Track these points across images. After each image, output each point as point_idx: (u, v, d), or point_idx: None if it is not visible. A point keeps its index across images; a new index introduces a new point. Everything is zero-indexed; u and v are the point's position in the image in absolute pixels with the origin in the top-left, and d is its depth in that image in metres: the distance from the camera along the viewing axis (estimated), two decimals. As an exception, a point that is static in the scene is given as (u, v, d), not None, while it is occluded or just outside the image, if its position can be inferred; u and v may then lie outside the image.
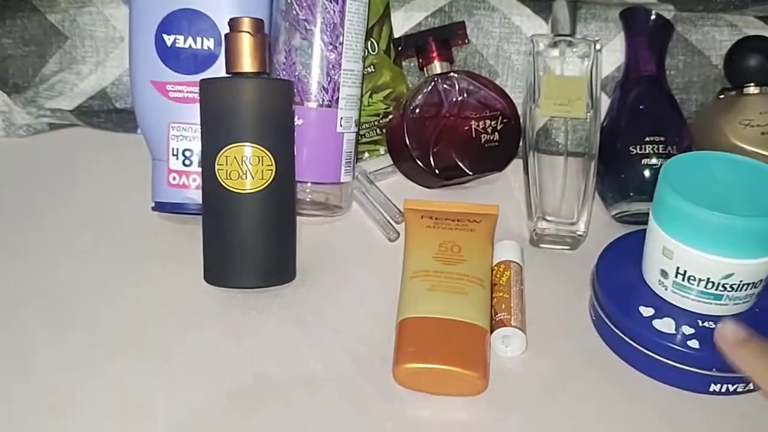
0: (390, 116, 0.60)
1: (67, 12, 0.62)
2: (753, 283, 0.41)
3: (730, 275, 0.40)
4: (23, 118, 0.64)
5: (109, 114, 0.64)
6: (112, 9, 0.62)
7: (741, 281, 0.41)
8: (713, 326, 0.42)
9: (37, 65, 0.63)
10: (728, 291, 0.41)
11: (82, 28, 0.62)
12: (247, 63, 0.46)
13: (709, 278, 0.41)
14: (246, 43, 0.46)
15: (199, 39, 0.50)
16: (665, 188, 0.42)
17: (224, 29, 0.48)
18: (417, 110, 0.57)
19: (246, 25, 0.46)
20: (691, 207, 0.40)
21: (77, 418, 0.40)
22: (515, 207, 0.57)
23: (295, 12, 0.50)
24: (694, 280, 0.41)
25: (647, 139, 0.53)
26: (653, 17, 0.57)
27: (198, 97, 0.48)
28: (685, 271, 0.42)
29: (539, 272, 0.51)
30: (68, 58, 0.62)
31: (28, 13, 0.62)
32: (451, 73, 0.58)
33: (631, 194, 0.53)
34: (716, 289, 0.41)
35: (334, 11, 0.50)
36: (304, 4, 0.50)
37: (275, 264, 0.48)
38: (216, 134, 0.46)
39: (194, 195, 0.51)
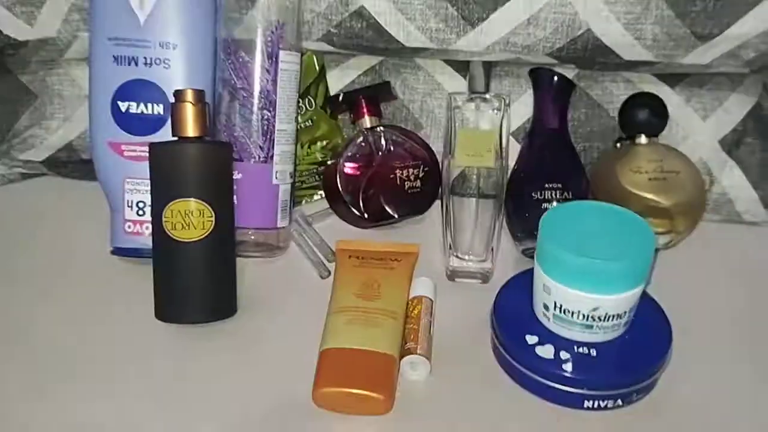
0: (326, 165, 0.67)
1: (37, 73, 0.69)
2: (618, 314, 0.48)
3: (597, 308, 0.48)
4: (-2, 169, 0.71)
5: (76, 164, 0.71)
6: (78, 70, 0.69)
7: (606, 313, 0.48)
8: (586, 351, 0.49)
9: (10, 121, 0.69)
10: (597, 321, 0.48)
11: (50, 87, 0.69)
12: (189, 128, 0.53)
13: (579, 311, 0.48)
14: (189, 111, 0.53)
15: (150, 105, 0.57)
16: (542, 235, 0.49)
17: (172, 97, 0.55)
18: (349, 160, 0.64)
19: (189, 96, 0.53)
20: (561, 252, 0.47)
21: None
22: (439, 245, 0.64)
23: (234, 81, 0.58)
24: (569, 312, 0.49)
25: (546, 185, 0.61)
26: (556, 78, 0.64)
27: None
28: (561, 305, 0.49)
29: (453, 304, 0.58)
30: (38, 115, 0.69)
31: (2, 75, 0.69)
32: (379, 127, 0.65)
33: (535, 233, 0.60)
34: (587, 320, 0.48)
35: (267, 80, 0.57)
36: (241, 75, 0.57)
37: (217, 301, 0.55)
38: (163, 191, 0.53)
39: (148, 241, 0.57)
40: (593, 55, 0.62)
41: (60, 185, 0.72)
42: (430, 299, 0.56)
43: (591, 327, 0.49)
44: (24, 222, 0.67)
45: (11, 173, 0.72)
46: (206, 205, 0.53)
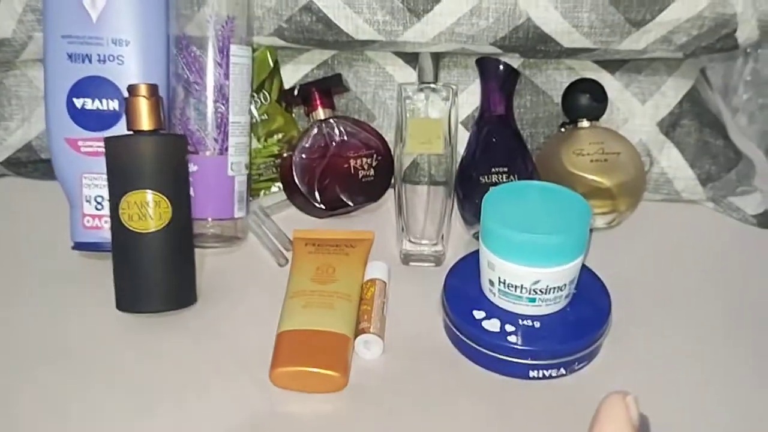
0: (283, 157, 0.68)
1: (-7, 75, 0.70)
2: (558, 287, 0.51)
3: (537, 281, 0.50)
4: (-43, 171, 0.72)
5: (35, 164, 0.71)
6: (35, 71, 0.69)
7: (547, 286, 0.50)
8: (530, 324, 0.52)
9: (-32, 123, 0.70)
10: (539, 294, 0.51)
11: (8, 89, 0.70)
12: (144, 122, 0.55)
13: (522, 284, 0.51)
14: (143, 105, 0.55)
15: (105, 101, 0.58)
16: (485, 214, 0.52)
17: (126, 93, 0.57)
18: (304, 152, 0.66)
19: (143, 90, 0.55)
20: (503, 229, 0.50)
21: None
22: (394, 230, 0.66)
23: (186, 76, 0.59)
24: (512, 287, 0.51)
25: (493, 169, 0.63)
26: (501, 67, 0.67)
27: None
28: (505, 280, 0.51)
29: (407, 287, 0.60)
30: (-4, 116, 0.70)
31: (-42, 77, 0.70)
32: (332, 119, 0.67)
33: (484, 216, 0.63)
34: (529, 294, 0.51)
35: (219, 74, 0.59)
36: (194, 69, 0.59)
37: (176, 291, 0.56)
38: (119, 183, 0.54)
39: (107, 235, 0.58)
40: (534, 43, 0.64)
41: (20, 185, 0.73)
42: (384, 282, 0.58)
43: (534, 300, 0.51)
44: (-15, 221, 0.68)
45: (-29, 174, 0.72)
46: (163, 196, 0.54)
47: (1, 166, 0.71)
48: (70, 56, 0.58)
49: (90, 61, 0.58)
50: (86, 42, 0.58)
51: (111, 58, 0.58)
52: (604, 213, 0.64)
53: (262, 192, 0.70)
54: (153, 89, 0.55)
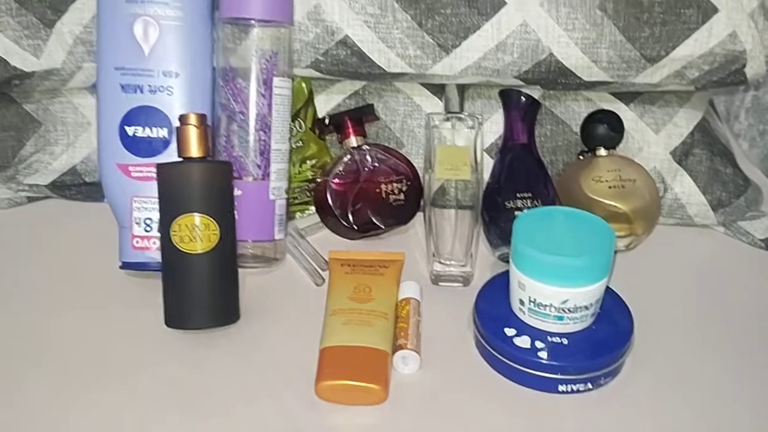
0: (316, 182, 0.72)
1: (41, 102, 0.73)
2: (585, 306, 0.54)
3: (566, 300, 0.54)
4: (4, 193, 0.75)
5: (79, 187, 0.75)
6: (80, 99, 0.73)
7: (575, 305, 0.54)
8: (558, 341, 0.55)
9: (15, 148, 0.73)
10: (567, 313, 0.54)
11: (54, 115, 0.73)
12: (193, 149, 0.58)
13: (551, 303, 0.54)
14: (193, 133, 0.58)
15: (155, 129, 0.62)
16: (516, 237, 0.55)
17: (175, 122, 0.60)
18: (337, 177, 0.69)
19: (192, 119, 0.59)
20: (533, 251, 0.53)
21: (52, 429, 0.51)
22: (423, 251, 0.69)
23: (231, 105, 0.63)
24: (542, 305, 0.55)
25: (518, 195, 0.67)
26: (524, 98, 0.71)
27: (155, 176, 0.60)
28: (535, 299, 0.55)
29: (439, 304, 0.63)
30: (43, 141, 0.74)
31: (7, 104, 0.73)
32: (364, 146, 0.71)
33: (509, 239, 0.66)
34: (558, 312, 0.54)
35: (263, 104, 0.63)
36: (239, 99, 0.63)
37: (222, 308, 0.59)
38: (170, 207, 0.58)
39: (155, 255, 0.62)
40: (556, 76, 0.68)
41: (64, 207, 0.76)
42: (417, 300, 0.61)
43: (562, 318, 0.55)
44: (33, 241, 0.71)
45: (17, 197, 0.76)
46: (211, 219, 0.58)
47: (47, 189, 0.75)
48: (122, 87, 0.62)
49: (141, 92, 0.62)
50: (138, 74, 0.62)
51: (161, 88, 0.62)
52: (622, 236, 0.68)
53: (297, 214, 0.74)
54: (202, 119, 0.59)
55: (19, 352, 0.58)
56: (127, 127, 0.62)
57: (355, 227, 0.69)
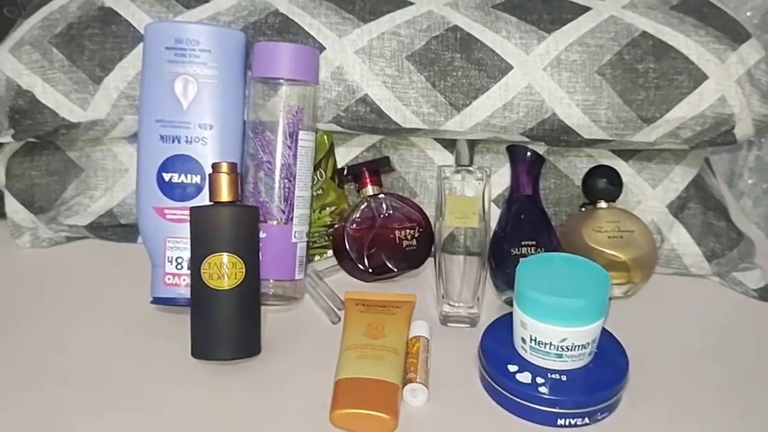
0: (335, 227, 0.77)
1: (83, 150, 0.80)
2: (582, 344, 0.59)
3: (565, 339, 0.58)
4: (46, 233, 0.81)
5: (115, 228, 0.81)
6: (119, 147, 0.80)
7: (573, 343, 0.58)
8: (558, 377, 0.59)
9: (58, 191, 0.80)
10: (565, 351, 0.58)
11: (95, 162, 0.80)
12: (224, 194, 0.64)
13: (551, 342, 0.58)
14: (224, 180, 0.64)
15: (189, 176, 0.68)
16: (519, 280, 0.60)
17: (208, 169, 0.66)
18: (354, 223, 0.75)
19: (224, 167, 0.64)
20: (535, 293, 0.58)
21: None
22: (434, 294, 0.74)
23: (260, 155, 0.69)
24: (542, 344, 0.59)
25: (523, 243, 0.72)
26: (529, 153, 0.77)
27: (188, 218, 0.66)
28: (536, 338, 0.59)
29: (447, 343, 0.67)
30: (83, 186, 0.80)
31: (52, 151, 0.80)
32: (380, 195, 0.76)
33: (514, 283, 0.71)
34: (557, 350, 0.59)
35: (289, 155, 0.69)
36: (267, 150, 0.69)
37: (245, 341, 0.64)
38: (202, 246, 0.63)
39: (184, 291, 0.67)
40: (558, 134, 0.74)
41: (100, 246, 0.82)
42: (427, 338, 0.66)
43: (561, 356, 0.59)
44: (70, 277, 0.76)
45: (57, 236, 0.82)
46: (238, 258, 0.63)
47: (85, 230, 0.81)
48: (162, 137, 0.68)
49: (179, 142, 0.68)
50: (177, 126, 0.68)
51: (197, 139, 0.68)
52: (621, 284, 0.72)
53: (315, 257, 0.79)
54: (233, 167, 0.65)
55: (54, 376, 0.62)
56: (164, 174, 0.68)
57: (370, 270, 0.74)
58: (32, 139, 0.77)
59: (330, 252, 0.79)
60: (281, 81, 0.68)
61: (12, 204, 0.80)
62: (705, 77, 0.71)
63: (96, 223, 0.80)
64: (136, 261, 0.76)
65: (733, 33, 0.73)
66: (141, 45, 0.72)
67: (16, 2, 0.95)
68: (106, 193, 0.80)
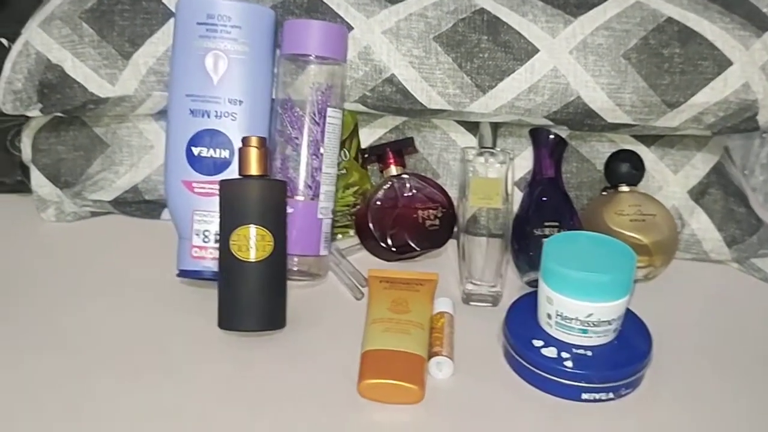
0: (358, 206, 0.78)
1: (109, 126, 0.81)
2: (608, 320, 0.59)
3: (591, 314, 0.59)
4: (71, 207, 0.82)
5: (139, 204, 0.81)
6: (144, 124, 0.80)
7: (599, 319, 0.59)
8: (583, 352, 0.60)
9: (83, 166, 0.80)
10: (591, 327, 0.59)
11: (120, 138, 0.81)
12: (253, 168, 0.65)
13: (577, 317, 0.59)
14: (254, 154, 0.65)
15: (218, 150, 0.69)
16: (546, 256, 0.61)
17: (237, 144, 0.67)
18: (378, 203, 0.75)
19: (254, 141, 0.65)
20: (561, 268, 0.59)
21: (116, 420, 0.56)
22: (455, 274, 0.75)
23: (288, 131, 0.70)
24: (568, 319, 0.59)
25: (546, 223, 0.72)
26: (552, 136, 0.77)
27: (215, 192, 0.66)
28: (562, 313, 0.60)
29: (470, 321, 0.68)
30: (108, 161, 0.81)
31: (79, 126, 0.81)
32: (404, 175, 0.77)
33: (537, 265, 0.71)
34: (583, 325, 0.59)
35: (316, 131, 0.69)
36: (295, 126, 0.69)
37: (271, 314, 0.64)
38: (231, 218, 0.64)
39: (210, 265, 0.68)
40: (582, 117, 0.75)
41: (124, 222, 0.82)
42: (451, 314, 0.66)
43: (586, 332, 0.59)
44: (96, 251, 0.77)
45: (82, 211, 0.82)
46: (267, 231, 0.63)
47: (109, 205, 0.81)
48: (192, 111, 0.69)
49: (208, 117, 0.69)
50: (207, 100, 0.68)
51: (226, 114, 0.69)
52: (642, 267, 0.73)
53: (338, 236, 0.80)
54: (262, 141, 0.65)
55: (80, 345, 0.63)
56: (193, 148, 0.69)
57: (393, 249, 0.75)
58: (60, 114, 0.78)
59: (352, 231, 0.80)
60: (311, 58, 0.69)
61: (38, 178, 0.81)
62: (729, 63, 0.72)
63: (120, 199, 0.81)
64: (160, 236, 0.76)
65: (757, 21, 0.74)
66: (171, 21, 0.73)
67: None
68: (131, 169, 0.81)
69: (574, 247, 0.62)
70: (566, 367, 0.58)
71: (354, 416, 0.57)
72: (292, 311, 0.68)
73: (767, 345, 0.68)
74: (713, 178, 0.79)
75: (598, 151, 0.80)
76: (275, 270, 0.65)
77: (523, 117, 0.76)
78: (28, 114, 0.77)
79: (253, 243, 0.63)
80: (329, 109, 0.70)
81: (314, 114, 0.69)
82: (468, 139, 0.81)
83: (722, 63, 0.72)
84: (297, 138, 0.69)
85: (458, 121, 0.81)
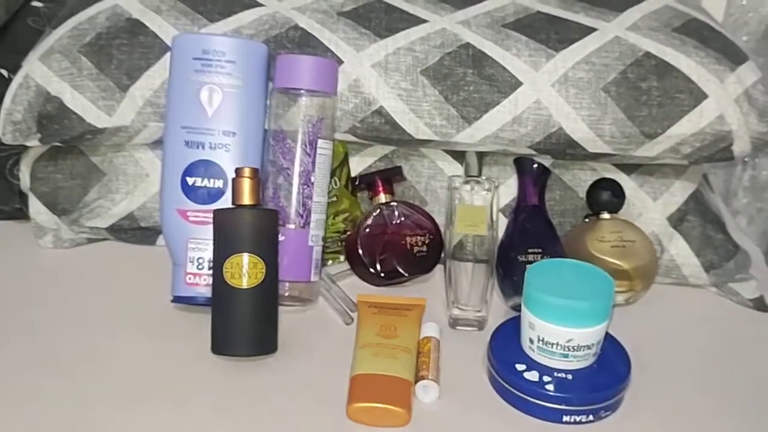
0: (348, 233, 0.80)
1: (106, 155, 0.83)
2: (588, 345, 0.62)
3: (571, 340, 0.61)
4: (68, 234, 0.84)
5: (134, 231, 0.83)
6: (140, 153, 0.83)
7: (579, 344, 0.61)
8: (564, 376, 0.62)
9: (81, 194, 0.82)
10: (571, 351, 0.61)
11: (116, 167, 0.83)
12: (246, 198, 0.67)
13: (557, 342, 0.61)
14: (246, 184, 0.67)
15: (212, 180, 0.71)
16: (528, 283, 0.63)
17: (230, 174, 0.69)
18: (367, 229, 0.78)
19: (247, 172, 0.67)
20: (543, 295, 0.61)
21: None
22: (442, 299, 0.77)
23: (280, 162, 0.72)
24: (549, 344, 0.62)
25: (530, 250, 0.75)
26: (535, 165, 0.80)
27: (209, 220, 0.69)
28: (543, 338, 0.62)
29: (456, 345, 0.70)
30: (105, 189, 0.83)
31: (76, 155, 0.83)
32: (392, 203, 0.79)
33: (521, 290, 0.74)
34: (563, 350, 0.61)
35: (307, 162, 0.72)
36: (287, 157, 0.72)
37: (262, 339, 0.66)
38: (224, 247, 0.66)
39: (203, 291, 0.70)
40: (564, 147, 0.77)
41: (120, 249, 0.84)
42: (437, 339, 0.69)
43: (567, 356, 0.62)
44: (92, 277, 0.79)
45: (79, 238, 0.84)
46: (259, 258, 0.66)
47: (105, 231, 0.83)
48: (186, 143, 0.71)
49: (203, 148, 0.71)
50: (201, 132, 0.71)
51: (220, 145, 0.71)
52: (622, 291, 0.75)
53: (329, 262, 0.82)
54: (255, 172, 0.68)
55: (76, 371, 0.65)
56: (188, 178, 0.71)
57: (382, 275, 0.77)
58: (58, 144, 0.80)
59: (342, 257, 0.82)
60: (302, 92, 0.72)
61: (36, 206, 0.83)
62: (705, 96, 0.75)
63: (117, 226, 0.83)
64: (155, 262, 0.79)
65: (731, 55, 0.77)
66: (167, 55, 0.76)
67: (40, 12, 0.98)
68: (126, 197, 0.83)
69: (555, 274, 0.64)
70: (548, 390, 0.61)
71: (343, 439, 0.59)
72: (284, 335, 0.70)
73: (745, 367, 0.70)
74: (691, 205, 0.82)
75: (581, 179, 0.83)
76: (267, 296, 0.67)
77: (507, 147, 0.78)
78: (27, 144, 0.79)
79: (245, 271, 0.65)
80: (320, 141, 0.72)
81: (305, 145, 0.72)
82: (455, 168, 0.83)
83: (698, 96, 0.75)
84: (288, 168, 0.72)
85: (445, 150, 0.83)
